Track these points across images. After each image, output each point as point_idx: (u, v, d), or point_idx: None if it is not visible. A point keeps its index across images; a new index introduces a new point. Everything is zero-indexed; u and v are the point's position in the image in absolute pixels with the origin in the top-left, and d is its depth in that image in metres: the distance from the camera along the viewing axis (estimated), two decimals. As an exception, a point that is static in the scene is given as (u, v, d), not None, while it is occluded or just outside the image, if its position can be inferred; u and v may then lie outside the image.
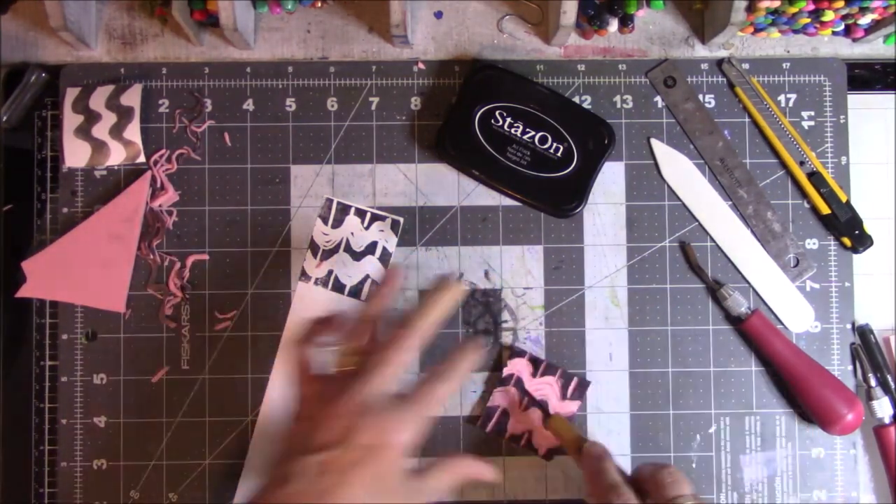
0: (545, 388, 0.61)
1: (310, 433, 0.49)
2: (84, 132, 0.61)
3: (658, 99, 0.63)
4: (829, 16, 0.59)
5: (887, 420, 0.60)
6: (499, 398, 0.61)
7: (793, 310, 0.62)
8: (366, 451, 0.48)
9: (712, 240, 0.62)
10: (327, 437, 0.48)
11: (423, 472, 0.51)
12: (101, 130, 0.61)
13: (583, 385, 0.61)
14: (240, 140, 0.63)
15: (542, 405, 0.60)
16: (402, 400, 0.50)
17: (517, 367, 0.61)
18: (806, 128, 0.63)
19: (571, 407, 0.61)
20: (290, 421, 0.52)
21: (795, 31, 0.63)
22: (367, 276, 0.62)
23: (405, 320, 0.51)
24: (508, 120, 0.61)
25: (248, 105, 0.63)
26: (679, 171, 0.62)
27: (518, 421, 0.60)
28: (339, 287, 0.62)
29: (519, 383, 0.61)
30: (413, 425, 0.50)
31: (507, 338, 0.62)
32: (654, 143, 0.63)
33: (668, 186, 0.63)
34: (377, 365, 0.50)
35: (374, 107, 0.63)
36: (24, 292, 0.61)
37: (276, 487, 0.48)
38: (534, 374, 0.61)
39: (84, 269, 0.61)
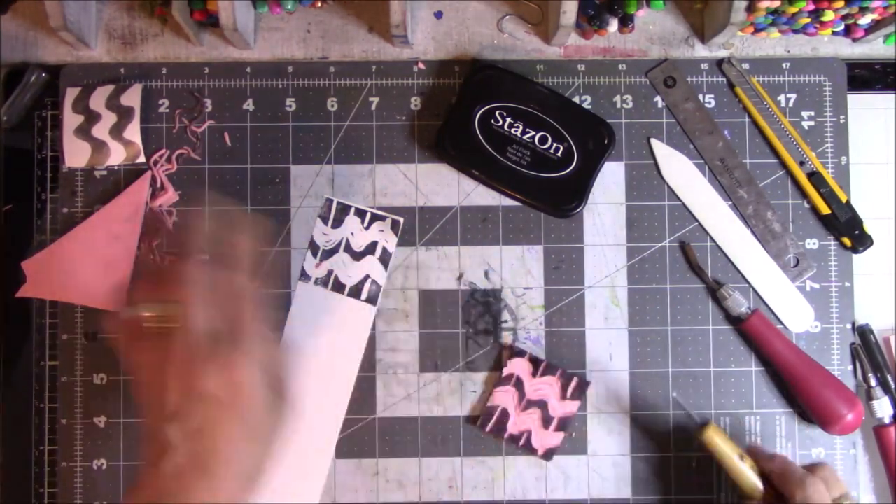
0: (545, 388, 0.61)
1: (160, 401, 0.48)
2: (84, 132, 0.61)
3: (658, 99, 0.63)
4: (829, 16, 0.59)
5: (887, 420, 0.60)
6: (499, 398, 0.61)
7: (793, 310, 0.62)
8: (215, 399, 0.47)
9: (712, 240, 0.62)
10: (175, 401, 0.47)
11: (274, 380, 0.49)
12: (101, 130, 0.61)
13: (582, 385, 0.61)
14: (240, 140, 0.63)
15: (541, 405, 0.60)
16: (226, 335, 0.48)
17: (517, 367, 0.61)
18: (806, 128, 0.63)
19: (571, 407, 0.61)
20: (137, 389, 0.50)
21: (795, 31, 0.63)
22: (367, 276, 0.62)
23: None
24: (508, 120, 0.61)
25: (248, 105, 0.63)
26: (679, 171, 0.62)
27: (518, 421, 0.60)
28: (339, 287, 0.62)
29: (519, 384, 0.61)
30: (247, 356, 0.48)
31: (507, 338, 0.62)
32: (654, 143, 0.63)
33: (668, 186, 0.63)
34: (189, 311, 0.48)
35: (374, 107, 0.63)
36: (24, 292, 0.61)
37: (152, 468, 0.47)
38: (534, 374, 0.61)
39: (84, 269, 0.61)
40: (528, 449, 0.60)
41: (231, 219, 0.52)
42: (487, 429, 0.60)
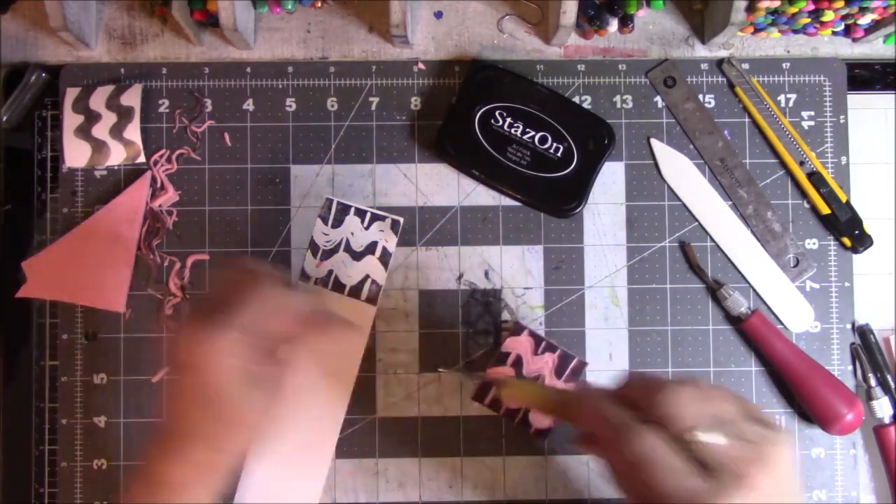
0: (542, 364, 0.60)
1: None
2: (84, 132, 0.61)
3: (658, 99, 0.63)
4: (829, 16, 0.59)
5: (887, 420, 0.60)
6: (496, 375, 0.60)
7: (793, 310, 0.62)
8: (185, 369, 0.47)
9: (712, 240, 0.62)
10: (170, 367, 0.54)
11: (267, 356, 0.48)
12: (101, 130, 0.61)
13: (580, 366, 0.61)
14: (240, 140, 0.63)
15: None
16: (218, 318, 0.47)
17: (517, 345, 0.61)
18: (806, 128, 0.63)
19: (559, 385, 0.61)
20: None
21: (795, 31, 0.63)
22: (367, 276, 0.62)
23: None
24: (508, 120, 0.61)
25: (248, 105, 0.63)
26: (679, 171, 0.62)
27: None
28: (339, 287, 0.62)
29: (518, 363, 0.60)
30: (221, 342, 0.46)
31: (505, 315, 0.62)
32: (654, 143, 0.63)
33: (668, 186, 0.63)
34: (227, 300, 0.48)
35: (374, 107, 0.63)
36: (24, 292, 0.61)
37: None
38: (534, 352, 0.61)
39: (84, 269, 0.61)
40: (525, 425, 0.60)
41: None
42: (486, 402, 0.60)
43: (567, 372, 0.61)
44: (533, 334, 0.61)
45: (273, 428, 0.50)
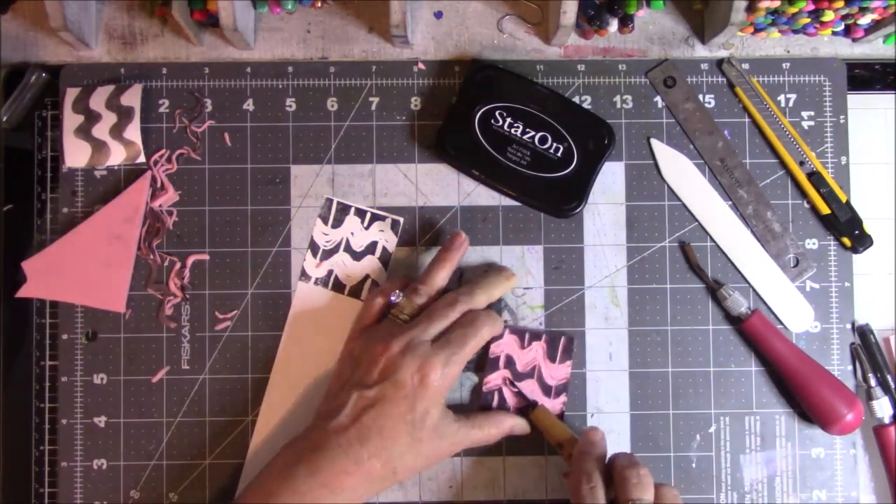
0: (533, 354, 0.60)
1: (354, 371, 0.56)
2: (84, 132, 0.61)
3: (658, 99, 0.63)
4: (829, 16, 0.59)
5: (887, 420, 0.60)
6: (493, 383, 0.60)
7: (793, 310, 0.62)
8: (403, 389, 0.53)
9: (712, 240, 0.62)
10: (369, 376, 0.54)
11: (469, 418, 0.57)
12: (101, 130, 0.61)
13: (570, 343, 0.61)
14: (240, 140, 0.63)
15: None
16: (440, 343, 0.55)
17: (503, 346, 0.61)
18: (806, 128, 0.63)
19: (565, 370, 0.61)
20: (344, 356, 0.58)
21: (795, 31, 0.63)
22: (367, 276, 0.62)
23: (461, 289, 0.58)
24: (508, 120, 0.61)
25: (248, 105, 0.63)
26: (679, 171, 0.62)
27: (515, 397, 0.61)
28: (339, 287, 0.62)
29: (510, 363, 0.60)
30: (450, 366, 0.54)
31: (506, 315, 0.61)
32: (654, 143, 0.63)
33: (668, 186, 0.63)
34: (425, 317, 0.56)
35: (374, 107, 0.63)
36: (24, 292, 0.61)
37: (321, 421, 0.54)
38: (522, 346, 0.61)
39: (84, 269, 0.61)
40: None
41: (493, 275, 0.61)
42: (493, 403, 0.60)
43: (559, 353, 0.61)
44: (514, 330, 0.61)
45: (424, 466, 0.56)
